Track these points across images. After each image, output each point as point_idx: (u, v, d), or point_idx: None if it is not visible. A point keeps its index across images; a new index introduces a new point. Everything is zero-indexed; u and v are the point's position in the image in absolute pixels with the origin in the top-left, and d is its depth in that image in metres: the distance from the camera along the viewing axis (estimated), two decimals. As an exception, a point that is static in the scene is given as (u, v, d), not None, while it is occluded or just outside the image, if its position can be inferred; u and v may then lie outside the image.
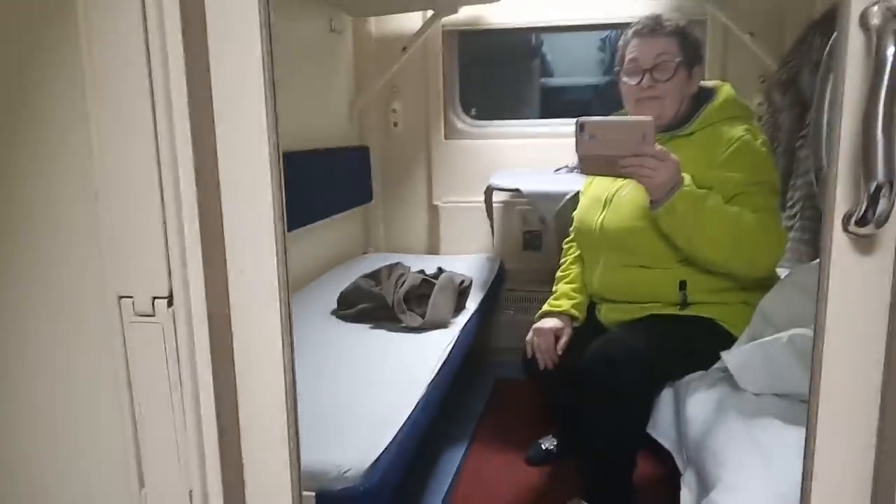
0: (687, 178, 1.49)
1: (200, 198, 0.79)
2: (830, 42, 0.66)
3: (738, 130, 1.61)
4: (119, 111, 0.78)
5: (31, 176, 0.83)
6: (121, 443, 0.85)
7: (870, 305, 0.68)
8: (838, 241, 0.66)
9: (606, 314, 1.78)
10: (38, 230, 0.84)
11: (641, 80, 1.64)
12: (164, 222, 0.79)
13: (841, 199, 0.65)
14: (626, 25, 1.72)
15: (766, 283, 1.58)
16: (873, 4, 0.60)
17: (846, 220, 0.65)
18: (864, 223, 0.62)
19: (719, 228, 1.49)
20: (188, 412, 0.83)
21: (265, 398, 0.86)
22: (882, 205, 0.60)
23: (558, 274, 1.93)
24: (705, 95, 1.70)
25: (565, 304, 1.81)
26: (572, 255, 1.93)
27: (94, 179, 0.79)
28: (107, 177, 0.79)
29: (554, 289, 1.90)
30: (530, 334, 1.79)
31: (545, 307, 1.84)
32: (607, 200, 1.72)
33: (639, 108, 1.66)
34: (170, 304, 0.80)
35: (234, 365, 0.85)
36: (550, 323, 1.78)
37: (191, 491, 0.85)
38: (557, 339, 1.76)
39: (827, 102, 0.66)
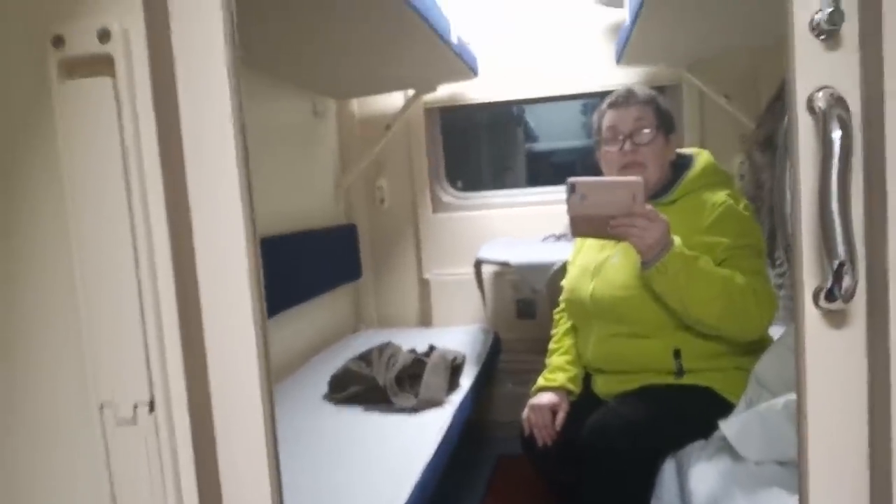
0: (677, 239, 1.50)
1: (179, 300, 0.80)
2: (784, 123, 0.68)
3: (721, 196, 1.63)
4: (97, 217, 0.79)
5: (11, 285, 0.83)
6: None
7: (847, 375, 0.68)
8: (810, 316, 0.67)
9: (602, 386, 1.76)
10: (20, 341, 0.84)
11: (623, 145, 1.67)
12: (144, 326, 0.79)
13: (808, 276, 0.66)
14: (603, 94, 1.77)
15: (759, 346, 1.57)
16: (818, 90, 0.63)
17: (816, 296, 0.66)
18: (833, 299, 0.63)
19: (711, 289, 1.49)
20: (172, 520, 0.81)
21: (251, 499, 0.85)
22: (846, 281, 0.61)
23: (551, 346, 1.92)
24: (684, 163, 1.73)
25: (561, 378, 1.79)
26: (564, 326, 1.93)
27: (74, 291, 0.80)
28: (86, 287, 0.80)
29: (547, 361, 1.88)
30: (526, 411, 1.77)
31: (540, 381, 1.82)
32: (596, 269, 1.73)
33: (623, 175, 1.67)
34: (151, 409, 0.79)
35: (217, 467, 0.84)
36: (546, 399, 1.75)
37: None
38: (554, 414, 1.73)
39: (787, 181, 0.68)
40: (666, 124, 1.70)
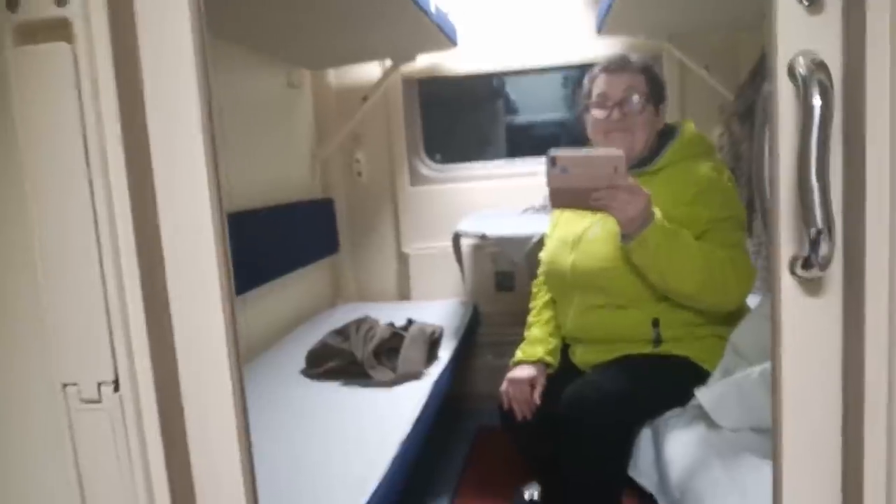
0: (658, 212, 1.49)
1: (143, 276, 0.77)
2: (763, 90, 0.66)
3: (705, 168, 1.63)
4: (56, 191, 0.76)
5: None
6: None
7: (822, 344, 0.68)
8: (787, 284, 0.66)
9: (581, 356, 1.77)
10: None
11: (611, 113, 1.66)
12: (107, 304, 0.76)
13: (786, 244, 0.65)
14: (584, 67, 1.76)
15: (736, 315, 1.59)
16: (798, 55, 0.61)
17: (792, 264, 0.65)
18: (809, 267, 0.62)
19: (691, 262, 1.49)
20: (141, 499, 0.79)
21: (223, 478, 0.83)
22: (823, 249, 0.60)
23: (530, 319, 1.92)
24: (669, 133, 1.72)
25: (540, 352, 1.79)
26: (543, 299, 1.92)
27: (34, 267, 0.77)
28: (47, 263, 0.77)
29: (526, 334, 1.88)
30: (504, 385, 1.77)
31: (519, 355, 1.82)
32: (575, 241, 1.72)
33: (608, 140, 1.66)
34: (116, 388, 0.77)
35: (187, 445, 0.82)
36: (525, 372, 1.75)
37: (147, 582, 0.81)
38: (533, 387, 1.73)
39: (766, 149, 0.66)
40: (657, 94, 1.69)
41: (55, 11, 0.74)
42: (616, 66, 1.68)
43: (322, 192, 3.15)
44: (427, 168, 3.23)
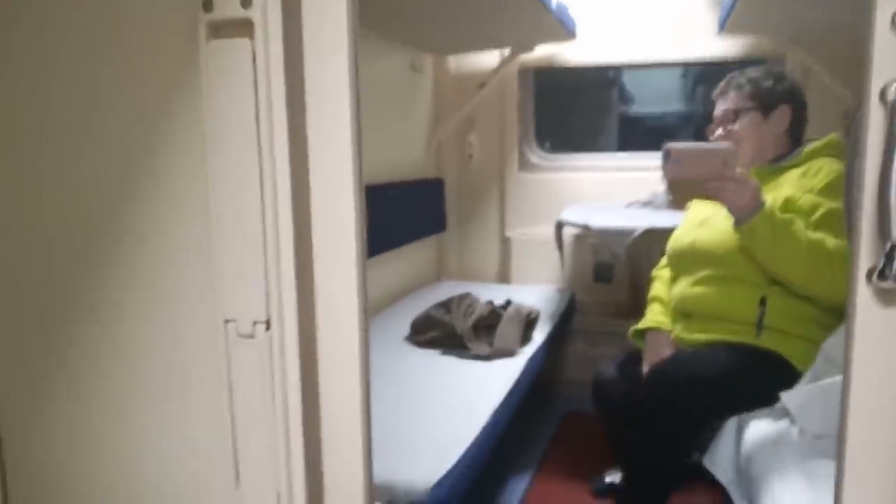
0: (769, 201, 1.60)
1: (296, 234, 0.92)
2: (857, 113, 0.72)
3: (838, 164, 1.72)
4: (230, 159, 0.92)
5: (155, 217, 0.98)
6: (222, 446, 0.98)
7: (893, 352, 0.74)
8: (862, 293, 0.72)
9: (682, 331, 1.84)
10: (161, 264, 0.99)
11: (716, 133, 1.88)
12: (265, 256, 0.92)
13: (864, 255, 0.71)
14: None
15: (840, 322, 1.61)
16: (893, 82, 0.67)
17: (869, 274, 0.71)
18: (884, 278, 0.68)
19: (797, 253, 1.57)
20: (279, 424, 0.95)
21: (343, 415, 0.98)
22: (898, 262, 0.67)
23: (652, 294, 2.04)
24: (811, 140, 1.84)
25: (668, 323, 1.93)
26: (664, 279, 2.03)
27: (208, 223, 0.94)
28: (218, 219, 0.93)
29: (650, 307, 2.01)
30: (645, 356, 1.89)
31: (650, 322, 1.95)
32: (704, 220, 1.85)
33: None
34: (267, 327, 0.93)
35: (318, 384, 0.97)
36: (664, 338, 1.88)
37: (278, 492, 0.97)
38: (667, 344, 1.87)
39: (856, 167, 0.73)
40: (765, 102, 1.81)
41: (241, 12, 0.90)
42: (720, 90, 1.89)
43: (435, 172, 3.30)
44: (536, 156, 3.30)
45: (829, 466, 1.28)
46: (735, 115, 1.83)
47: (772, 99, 1.83)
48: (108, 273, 1.02)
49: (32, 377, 1.08)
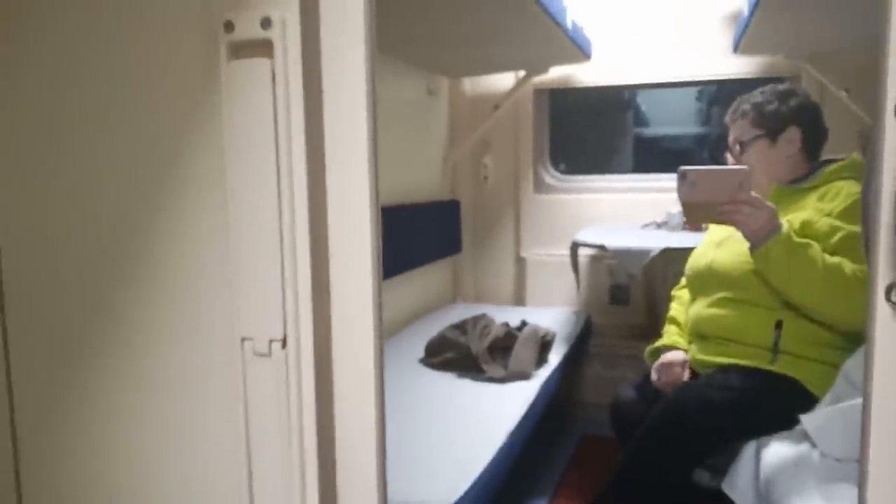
0: (786, 225, 1.57)
1: (312, 254, 0.93)
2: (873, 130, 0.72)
3: (857, 187, 1.68)
4: (249, 177, 0.94)
5: (174, 234, 1.00)
6: (237, 463, 0.98)
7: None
8: (882, 311, 0.72)
9: (697, 353, 1.82)
10: (180, 283, 1.01)
11: (730, 156, 1.87)
12: (283, 275, 0.93)
13: (883, 272, 0.71)
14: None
15: (857, 345, 1.58)
16: (907, 98, 0.67)
17: (888, 292, 0.70)
18: (903, 295, 0.68)
19: (813, 278, 1.54)
20: (293, 441, 0.95)
21: (358, 434, 0.98)
22: (917, 279, 0.66)
23: (670, 315, 2.02)
24: (832, 161, 1.81)
25: (684, 342, 1.90)
26: (682, 300, 2.01)
27: (227, 242, 0.95)
28: (237, 238, 0.95)
29: (666, 328, 1.98)
30: (656, 367, 1.87)
31: (666, 341, 1.93)
32: (721, 242, 1.82)
33: None
34: (283, 345, 0.94)
35: (333, 403, 0.97)
36: (678, 356, 1.86)
37: (293, 510, 0.97)
38: (683, 369, 1.84)
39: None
40: (770, 127, 1.79)
41: (261, 33, 0.92)
42: (730, 118, 1.88)
43: (450, 193, 3.32)
44: (551, 177, 3.31)
45: (851, 490, 1.27)
46: (741, 145, 1.82)
47: (778, 122, 1.80)
48: (127, 290, 1.03)
49: (50, 390, 1.10)
